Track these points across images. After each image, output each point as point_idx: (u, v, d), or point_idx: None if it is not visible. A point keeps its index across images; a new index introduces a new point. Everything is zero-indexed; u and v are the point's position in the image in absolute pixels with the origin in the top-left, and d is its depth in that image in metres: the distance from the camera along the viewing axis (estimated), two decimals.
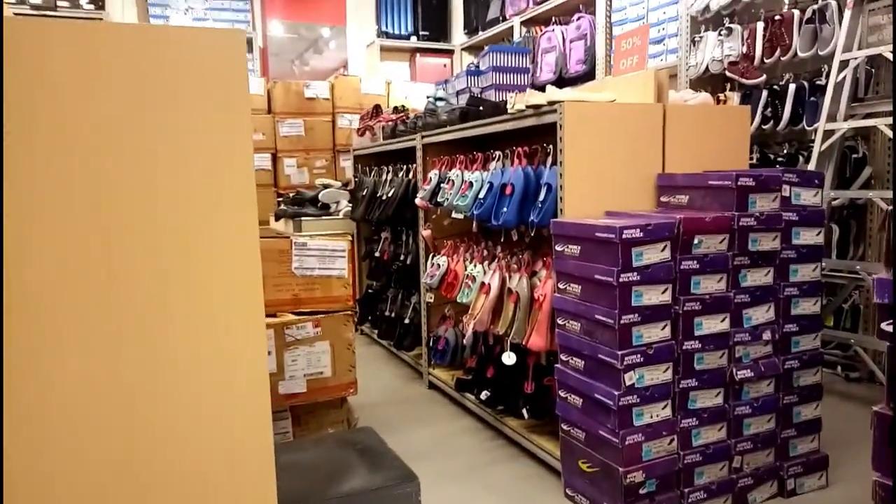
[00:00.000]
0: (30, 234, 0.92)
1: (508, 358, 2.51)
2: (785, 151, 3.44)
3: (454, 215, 2.67)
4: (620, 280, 1.81)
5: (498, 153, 2.58)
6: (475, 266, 2.67)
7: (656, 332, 1.89)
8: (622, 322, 1.83)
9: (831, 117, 3.01)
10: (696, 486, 1.98)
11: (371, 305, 4.23)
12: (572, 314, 2.03)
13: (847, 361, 3.22)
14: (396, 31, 6.37)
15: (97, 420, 0.99)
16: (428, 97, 3.46)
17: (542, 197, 2.24)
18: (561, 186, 2.11)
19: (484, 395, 2.67)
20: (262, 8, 6.02)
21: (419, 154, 3.22)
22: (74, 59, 0.93)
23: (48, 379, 0.95)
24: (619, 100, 2.26)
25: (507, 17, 5.51)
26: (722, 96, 3.06)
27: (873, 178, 3.19)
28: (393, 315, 3.86)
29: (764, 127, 3.39)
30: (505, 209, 2.35)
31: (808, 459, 2.16)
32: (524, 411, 2.44)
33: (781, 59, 3.30)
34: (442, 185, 2.84)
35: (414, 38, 6.42)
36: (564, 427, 2.11)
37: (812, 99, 3.21)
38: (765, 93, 3.37)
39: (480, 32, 6.00)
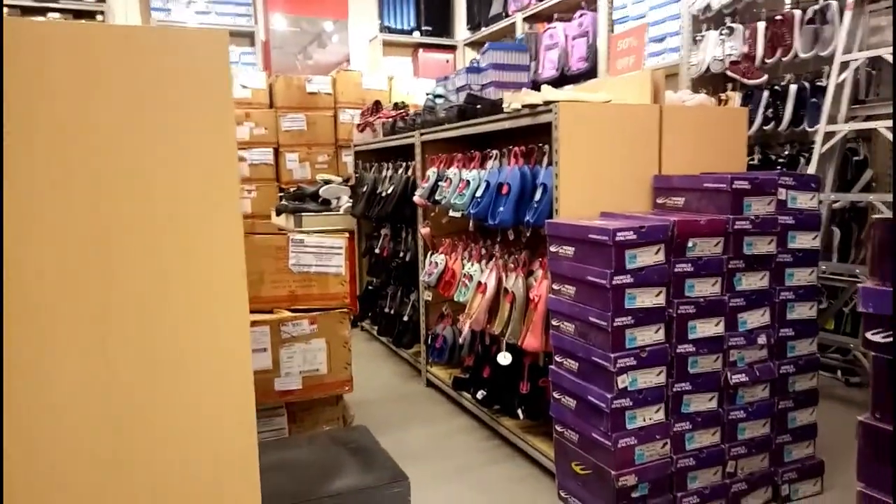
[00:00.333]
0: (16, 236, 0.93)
1: (504, 358, 2.51)
2: (786, 153, 3.42)
3: (451, 214, 2.66)
4: (614, 282, 1.81)
5: (495, 152, 2.58)
6: (472, 265, 2.67)
7: (650, 335, 1.88)
8: (615, 324, 1.83)
9: (832, 119, 2.99)
10: (689, 490, 1.98)
11: (371, 302, 4.23)
12: (566, 315, 2.02)
13: (847, 366, 3.20)
14: (399, 26, 6.36)
15: (86, 418, 1.00)
16: (427, 94, 3.45)
17: (538, 197, 2.23)
18: (556, 187, 2.11)
19: (480, 394, 2.67)
20: (264, 1, 6.01)
21: (418, 151, 3.21)
22: (62, 61, 0.93)
23: (47, 378, 0.97)
24: (616, 100, 2.25)
25: (510, 13, 5.49)
26: (723, 96, 3.05)
27: (875, 180, 3.17)
28: (392, 312, 3.87)
29: (765, 128, 3.37)
30: (501, 208, 2.34)
31: (804, 465, 2.15)
32: (519, 411, 2.44)
33: (783, 59, 3.28)
34: (440, 183, 2.84)
35: (417, 34, 6.41)
36: (558, 428, 2.11)
37: (813, 100, 3.19)
38: (766, 93, 3.35)
39: (483, 28, 5.98)
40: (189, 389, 1.06)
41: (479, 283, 2.54)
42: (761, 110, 3.35)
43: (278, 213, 4.25)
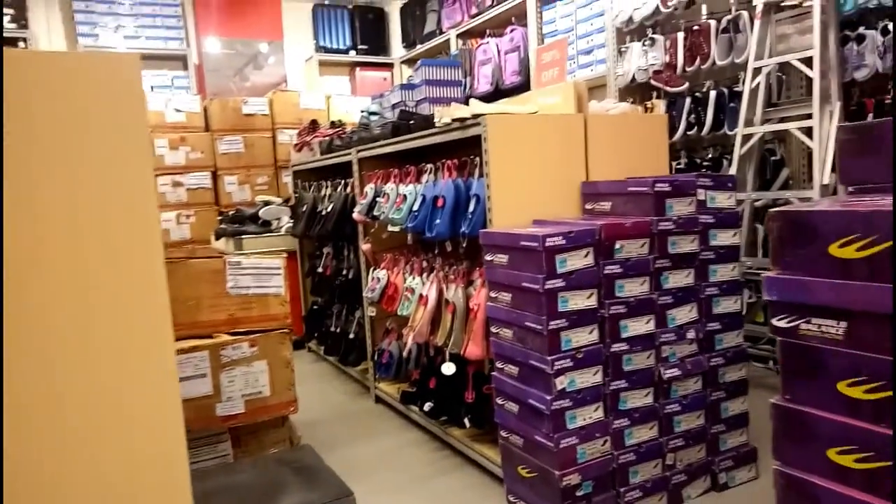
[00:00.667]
0: None
1: (448, 368, 2.53)
2: (710, 156, 3.58)
3: (390, 228, 2.68)
4: (546, 287, 1.86)
5: (430, 166, 2.62)
6: (414, 278, 2.69)
7: (584, 336, 1.94)
8: (550, 328, 1.88)
9: (748, 122, 3.15)
10: (631, 485, 2.03)
11: (317, 322, 4.20)
12: (504, 322, 2.06)
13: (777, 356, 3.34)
14: (335, 46, 6.37)
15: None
16: (362, 112, 3.48)
17: (471, 208, 2.28)
18: (489, 197, 2.16)
19: (427, 406, 2.68)
20: (195, 25, 5.93)
21: (355, 168, 3.23)
22: None
23: None
24: (543, 111, 2.32)
25: (444, 30, 5.58)
26: (649, 104, 3.18)
27: (791, 178, 3.35)
28: (338, 331, 3.84)
29: (689, 133, 3.52)
30: (438, 221, 2.38)
31: (738, 453, 2.24)
32: (465, 420, 2.47)
33: (702, 67, 3.44)
34: (378, 198, 2.86)
35: (353, 53, 6.44)
36: (503, 434, 2.14)
37: (732, 105, 3.35)
38: (688, 100, 3.50)
39: (418, 45, 6.05)
40: (106, 420, 1.03)
41: (421, 295, 2.56)
42: (685, 116, 3.50)
43: (217, 237, 4.18)
